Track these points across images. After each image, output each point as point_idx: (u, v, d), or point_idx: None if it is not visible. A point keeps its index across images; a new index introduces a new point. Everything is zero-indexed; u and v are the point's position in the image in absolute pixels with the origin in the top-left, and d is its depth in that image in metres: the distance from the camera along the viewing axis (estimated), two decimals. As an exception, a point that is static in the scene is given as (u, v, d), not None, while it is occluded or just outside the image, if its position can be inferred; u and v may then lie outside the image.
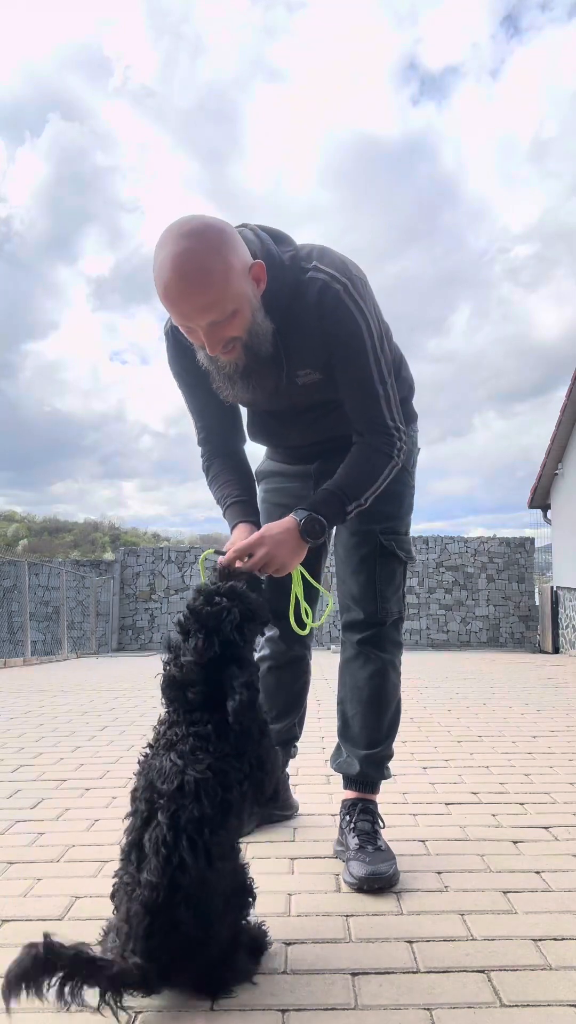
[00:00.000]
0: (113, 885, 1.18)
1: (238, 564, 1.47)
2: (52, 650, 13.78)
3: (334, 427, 1.69)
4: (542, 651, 13.69)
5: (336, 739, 1.86)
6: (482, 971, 1.24)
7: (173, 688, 1.26)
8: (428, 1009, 1.12)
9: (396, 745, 1.85)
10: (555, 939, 1.35)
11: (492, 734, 3.45)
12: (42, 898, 1.54)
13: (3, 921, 1.44)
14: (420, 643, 15.13)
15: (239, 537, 1.57)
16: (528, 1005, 1.13)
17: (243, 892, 1.22)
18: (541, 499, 14.02)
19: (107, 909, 1.25)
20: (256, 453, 1.96)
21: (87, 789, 2.42)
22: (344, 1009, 1.13)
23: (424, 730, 3.53)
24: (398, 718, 1.83)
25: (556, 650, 13.30)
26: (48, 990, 1.00)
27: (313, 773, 2.59)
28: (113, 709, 4.31)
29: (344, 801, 1.81)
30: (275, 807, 2.01)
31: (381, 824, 1.76)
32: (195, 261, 1.28)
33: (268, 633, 1.96)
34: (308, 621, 1.67)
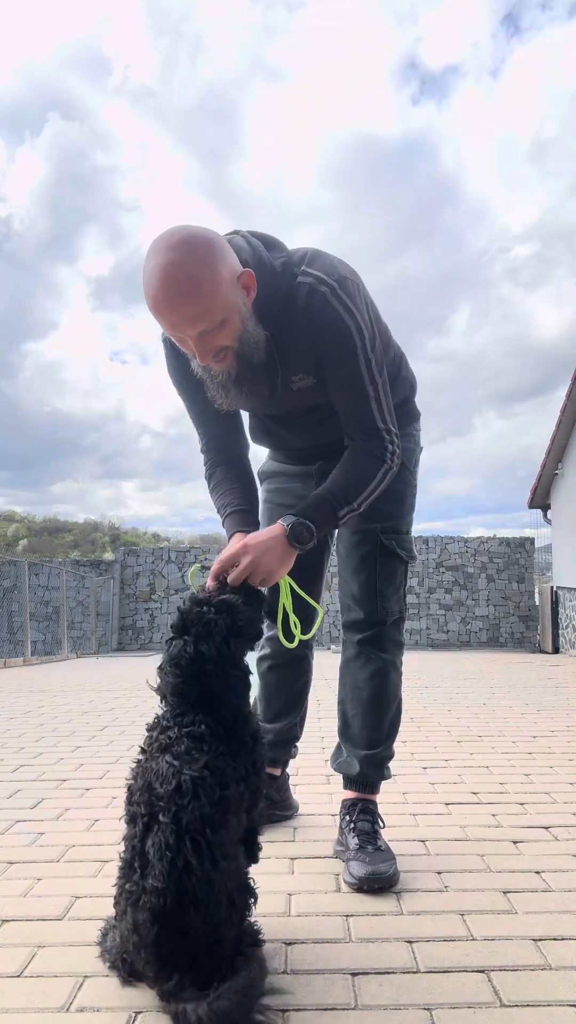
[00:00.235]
0: (115, 890, 1.18)
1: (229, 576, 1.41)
2: (52, 650, 13.78)
3: (334, 430, 1.69)
4: (542, 651, 13.68)
5: (336, 739, 1.86)
6: (482, 971, 1.24)
7: (168, 691, 1.27)
8: (428, 1009, 1.13)
9: (396, 745, 1.85)
10: (555, 939, 1.35)
11: (492, 734, 3.45)
12: (42, 898, 1.54)
13: (3, 921, 1.44)
14: (420, 643, 15.12)
15: (236, 546, 1.57)
16: (528, 1005, 1.13)
17: (246, 892, 1.22)
18: (541, 499, 14.02)
19: (107, 909, 1.25)
20: (259, 453, 1.97)
21: (87, 789, 2.42)
22: (344, 1009, 1.13)
23: (424, 730, 3.53)
24: (399, 719, 1.83)
25: (556, 650, 13.30)
26: None
27: (313, 773, 2.59)
28: (113, 709, 4.31)
29: (344, 801, 1.81)
30: (273, 807, 2.01)
31: (381, 824, 1.76)
32: (182, 272, 1.29)
33: (269, 632, 1.96)
34: (297, 633, 1.60)
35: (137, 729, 3.55)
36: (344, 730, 1.82)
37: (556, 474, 13.16)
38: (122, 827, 1.19)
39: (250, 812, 1.27)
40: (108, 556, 25.58)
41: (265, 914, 1.41)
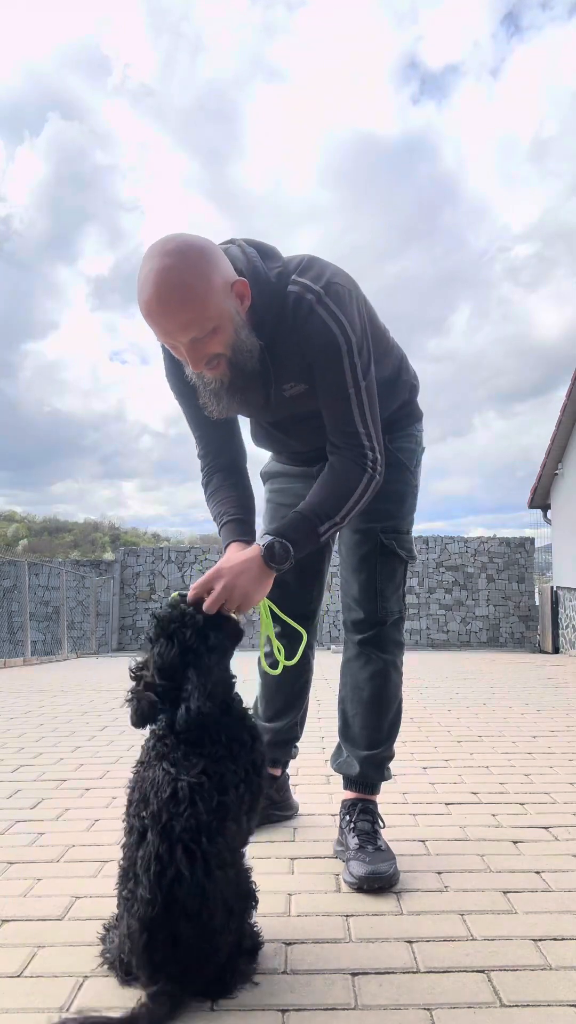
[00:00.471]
0: (116, 892, 1.18)
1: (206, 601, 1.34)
2: (52, 650, 13.78)
3: None
4: (542, 651, 13.68)
5: (337, 739, 1.86)
6: (482, 971, 1.24)
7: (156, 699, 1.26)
8: (428, 1009, 1.13)
9: (396, 745, 1.85)
10: (555, 939, 1.35)
11: (492, 734, 3.45)
12: (42, 898, 1.54)
13: (3, 921, 1.44)
14: (420, 643, 15.13)
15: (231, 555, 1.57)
16: (528, 1005, 1.13)
17: (247, 898, 1.22)
18: (541, 499, 14.02)
19: (107, 909, 1.25)
20: (262, 454, 1.97)
21: (87, 789, 2.42)
22: (344, 1009, 1.13)
23: (424, 730, 3.52)
24: (399, 719, 1.82)
25: (556, 650, 13.30)
26: None
27: (313, 773, 2.59)
28: (113, 709, 4.31)
29: (344, 801, 1.81)
30: (273, 807, 2.01)
31: (381, 824, 1.76)
32: (174, 279, 1.29)
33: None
34: (280, 659, 1.50)
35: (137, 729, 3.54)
36: (344, 730, 1.82)
37: (556, 474, 13.16)
38: (122, 827, 1.19)
39: (250, 814, 1.27)
40: (108, 556, 25.57)
41: (265, 914, 1.41)
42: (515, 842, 1.88)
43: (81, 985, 1.19)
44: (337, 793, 2.17)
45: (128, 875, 1.14)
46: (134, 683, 1.29)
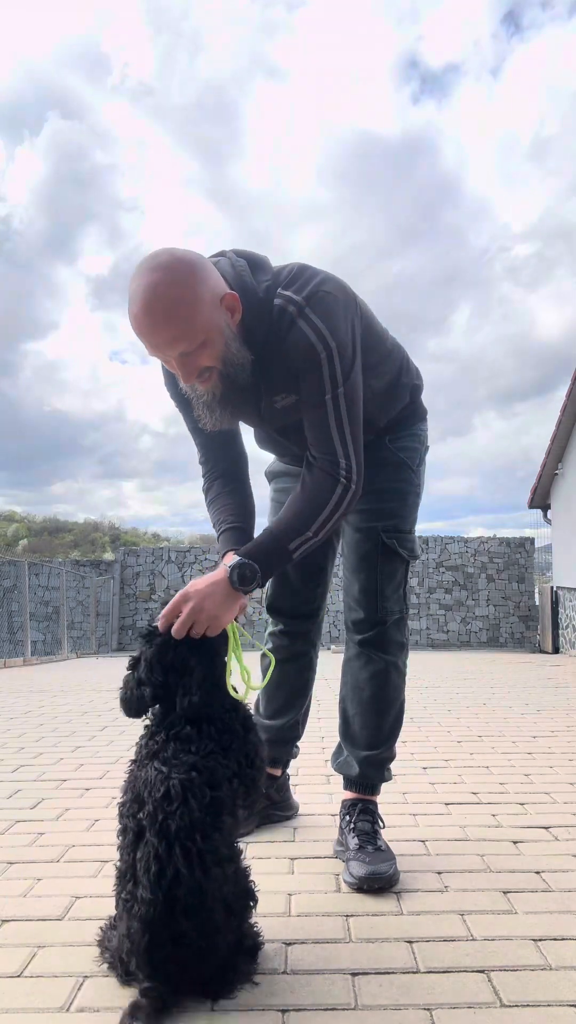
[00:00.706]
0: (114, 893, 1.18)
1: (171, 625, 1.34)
2: (52, 650, 13.78)
3: None
4: (542, 651, 13.68)
5: (337, 738, 1.86)
6: (482, 971, 1.24)
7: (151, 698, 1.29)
8: (428, 1009, 1.13)
9: (396, 745, 1.85)
10: (555, 939, 1.35)
11: (492, 734, 3.45)
12: (42, 898, 1.55)
13: (3, 921, 1.44)
14: (420, 643, 15.12)
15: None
16: (528, 1005, 1.13)
17: (246, 896, 1.22)
18: (541, 499, 14.02)
19: (107, 909, 1.25)
20: (263, 453, 1.97)
21: (87, 789, 2.42)
22: (344, 1009, 1.13)
23: (424, 730, 3.53)
24: (400, 720, 1.82)
25: (556, 650, 13.30)
26: None
27: (313, 773, 2.59)
28: (113, 709, 4.31)
29: (344, 801, 1.81)
30: (273, 807, 2.01)
31: (381, 824, 1.76)
32: (161, 294, 1.30)
33: (272, 628, 1.97)
34: (248, 683, 1.39)
35: (137, 729, 3.54)
36: (345, 729, 1.82)
37: (556, 474, 13.17)
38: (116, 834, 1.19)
39: (247, 806, 1.28)
40: (108, 556, 25.57)
41: (265, 914, 1.41)
42: (515, 842, 1.88)
43: (81, 985, 1.20)
44: (337, 793, 2.17)
45: (126, 876, 1.14)
46: (128, 672, 1.33)
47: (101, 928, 1.29)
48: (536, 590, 15.31)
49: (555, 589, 13.58)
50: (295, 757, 2.08)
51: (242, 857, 1.24)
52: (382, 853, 1.63)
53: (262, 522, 1.70)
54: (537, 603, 15.10)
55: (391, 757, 1.82)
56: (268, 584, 1.68)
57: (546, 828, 2.00)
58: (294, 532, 1.47)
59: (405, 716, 1.86)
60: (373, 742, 1.78)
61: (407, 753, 2.92)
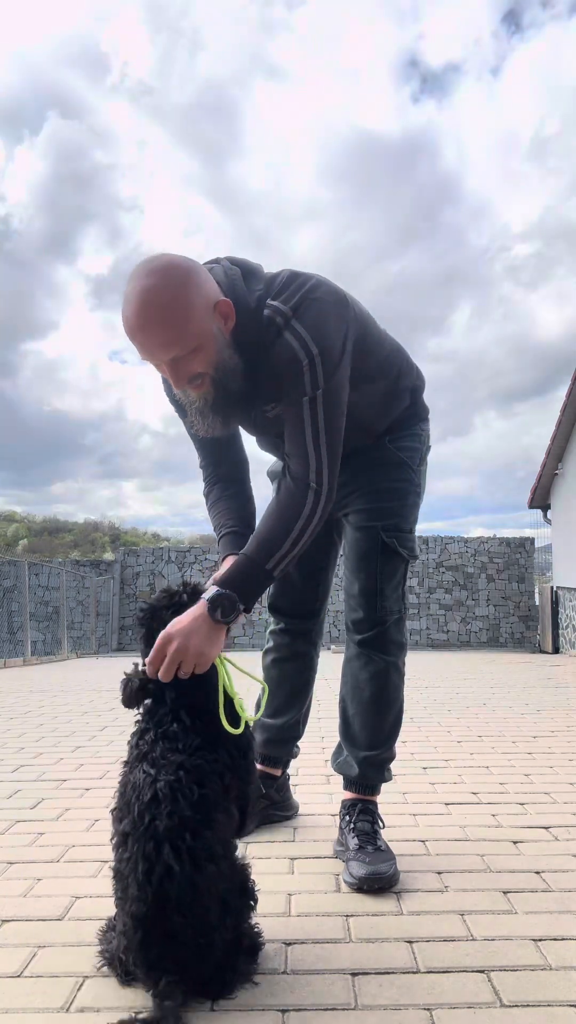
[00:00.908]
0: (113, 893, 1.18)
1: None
2: (52, 650, 13.78)
3: None
4: (542, 651, 13.68)
5: (338, 738, 1.86)
6: (482, 971, 1.24)
7: (140, 691, 1.32)
8: (428, 1009, 1.13)
9: (396, 745, 1.84)
10: (555, 939, 1.35)
11: (492, 734, 3.45)
12: (42, 898, 1.55)
13: (3, 921, 1.44)
14: (420, 643, 15.12)
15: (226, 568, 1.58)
16: (528, 1005, 1.13)
17: (243, 893, 1.22)
18: (541, 499, 14.02)
19: (107, 909, 1.25)
20: (260, 453, 1.97)
21: (87, 789, 2.42)
22: (344, 1009, 1.13)
23: (424, 730, 3.53)
24: (400, 721, 1.82)
25: (556, 650, 13.30)
26: None
27: (313, 773, 2.59)
28: (113, 709, 4.31)
29: (344, 801, 1.81)
30: (273, 807, 2.01)
31: (381, 824, 1.76)
32: (154, 299, 1.30)
33: (273, 627, 1.97)
34: (243, 714, 1.34)
35: (137, 729, 3.54)
36: (345, 729, 1.82)
37: (556, 474, 13.17)
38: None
39: (241, 800, 1.28)
40: (108, 556, 25.57)
41: (265, 914, 1.41)
42: (515, 842, 1.88)
43: (81, 985, 1.20)
44: (337, 793, 2.16)
45: (121, 874, 1.15)
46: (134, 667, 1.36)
47: (101, 928, 1.29)
48: (536, 590, 15.32)
49: (555, 589, 13.59)
50: (295, 757, 2.08)
51: (236, 851, 1.24)
52: (382, 853, 1.63)
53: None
54: (537, 603, 15.11)
55: (391, 757, 1.82)
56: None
57: (546, 828, 2.00)
58: (269, 551, 1.44)
59: (405, 716, 1.86)
60: (373, 742, 1.78)
61: (407, 753, 2.92)
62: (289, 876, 1.66)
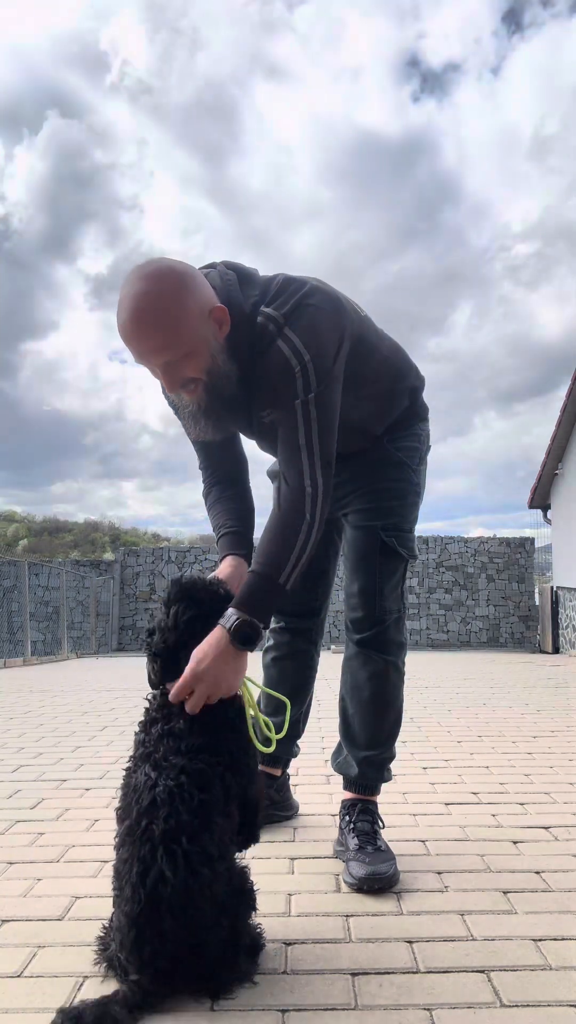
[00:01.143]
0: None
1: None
2: (52, 650, 13.78)
3: None
4: (542, 651, 13.69)
5: (337, 737, 1.86)
6: (482, 971, 1.24)
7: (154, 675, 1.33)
8: (428, 1009, 1.13)
9: (396, 745, 1.85)
10: (555, 939, 1.35)
11: (492, 734, 3.45)
12: (42, 898, 1.55)
13: (3, 921, 1.44)
14: (420, 643, 15.13)
15: (226, 568, 1.57)
16: (528, 1005, 1.13)
17: (241, 895, 1.22)
18: (541, 499, 14.03)
19: (107, 909, 1.25)
20: (260, 454, 1.97)
21: (87, 789, 2.42)
22: (344, 1009, 1.13)
23: (424, 730, 3.53)
24: (400, 721, 1.82)
25: (556, 650, 13.30)
26: None
27: (313, 773, 2.59)
28: (113, 709, 4.31)
29: (344, 801, 1.81)
30: (273, 807, 2.01)
31: (381, 824, 1.76)
32: (148, 304, 1.31)
33: (273, 625, 1.97)
34: (271, 735, 1.38)
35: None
36: (344, 729, 1.82)
37: (556, 474, 13.17)
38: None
39: (244, 798, 1.28)
40: (108, 556, 25.56)
41: (265, 914, 1.41)
42: (515, 842, 1.88)
43: (81, 985, 1.20)
44: (337, 793, 2.17)
45: (119, 874, 1.16)
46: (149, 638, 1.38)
47: (101, 928, 1.29)
48: (536, 590, 15.32)
49: (555, 589, 13.59)
50: (295, 756, 2.08)
51: (234, 854, 1.24)
52: (382, 853, 1.63)
53: (263, 522, 1.71)
54: (537, 603, 15.11)
55: (391, 757, 1.82)
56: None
57: (546, 828, 2.00)
58: (279, 564, 1.42)
59: (405, 716, 1.86)
60: (373, 742, 1.78)
61: (407, 753, 2.92)
62: (289, 876, 1.66)
